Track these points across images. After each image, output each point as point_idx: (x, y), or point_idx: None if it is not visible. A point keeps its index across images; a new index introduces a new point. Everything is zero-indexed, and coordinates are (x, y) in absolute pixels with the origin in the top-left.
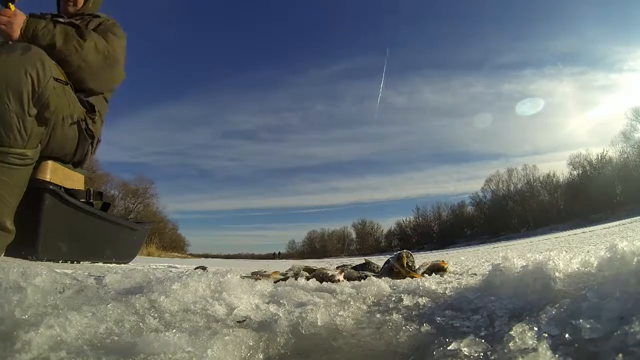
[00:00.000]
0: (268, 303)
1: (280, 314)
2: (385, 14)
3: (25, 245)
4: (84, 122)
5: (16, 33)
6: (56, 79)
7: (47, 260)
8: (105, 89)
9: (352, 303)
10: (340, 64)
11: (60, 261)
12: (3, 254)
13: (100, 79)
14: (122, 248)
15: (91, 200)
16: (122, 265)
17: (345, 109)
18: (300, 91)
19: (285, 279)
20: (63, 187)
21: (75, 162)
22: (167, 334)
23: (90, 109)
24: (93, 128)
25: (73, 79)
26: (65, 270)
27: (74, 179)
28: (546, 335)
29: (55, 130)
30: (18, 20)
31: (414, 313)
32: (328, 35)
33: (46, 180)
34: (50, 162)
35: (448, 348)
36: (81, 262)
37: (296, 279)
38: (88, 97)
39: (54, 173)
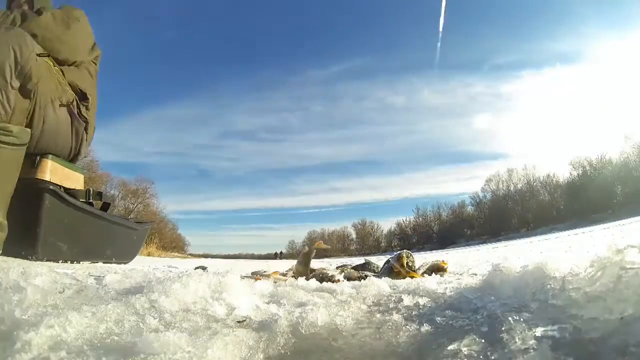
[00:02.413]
0: (268, 303)
1: (280, 314)
2: (385, 14)
3: (25, 245)
4: (75, 108)
5: None
6: (40, 55)
7: (47, 260)
8: (77, 55)
9: (352, 303)
10: (339, 64)
11: (60, 261)
12: (0, 251)
13: (68, 43)
14: (122, 248)
15: (91, 200)
16: (122, 265)
17: (344, 109)
18: (299, 91)
19: (285, 279)
20: (62, 187)
21: (73, 152)
22: (167, 334)
23: (82, 96)
24: (87, 115)
25: (48, 51)
26: (65, 270)
27: (73, 179)
28: (546, 335)
29: (47, 114)
30: None
31: (414, 313)
32: (327, 36)
33: (46, 180)
34: (49, 161)
35: (448, 348)
36: (81, 262)
37: (296, 278)
38: (76, 79)
39: (53, 172)
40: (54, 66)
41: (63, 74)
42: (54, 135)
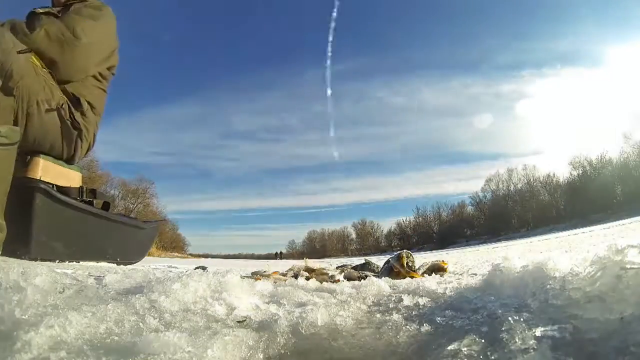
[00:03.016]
0: (268, 303)
1: (280, 314)
2: (384, 15)
3: (19, 244)
4: (67, 113)
5: None
6: (20, 51)
7: (41, 260)
8: (77, 75)
9: (352, 303)
10: (338, 64)
11: (57, 261)
12: (0, 251)
13: (64, 65)
14: (127, 248)
15: (90, 199)
16: (122, 265)
17: (344, 110)
18: (299, 92)
19: (285, 279)
20: (55, 185)
21: (65, 156)
22: (167, 334)
23: (75, 102)
24: (82, 120)
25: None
26: (65, 270)
27: (68, 177)
28: (546, 335)
29: (32, 115)
30: None
31: (414, 313)
32: (326, 36)
33: (37, 178)
34: (41, 160)
35: (448, 348)
36: (81, 262)
37: (296, 278)
38: (87, 88)
39: (45, 171)
40: (42, 67)
41: (52, 76)
42: (43, 135)
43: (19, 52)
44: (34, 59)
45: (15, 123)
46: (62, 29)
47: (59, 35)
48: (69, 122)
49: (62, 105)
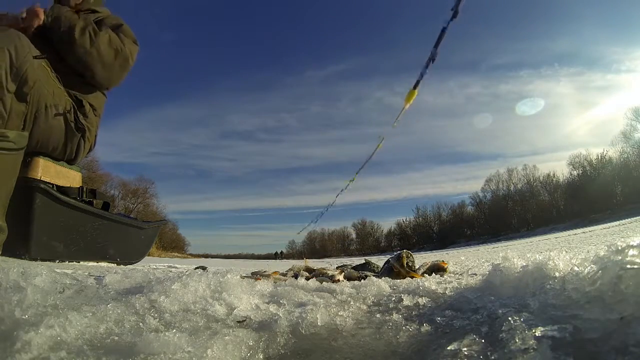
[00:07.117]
0: (268, 303)
1: (280, 314)
2: (382, 15)
3: (18, 244)
4: (71, 115)
5: (41, 14)
6: (36, 57)
7: (42, 260)
8: (111, 83)
9: (352, 303)
10: (337, 64)
11: (57, 261)
12: (0, 252)
13: (109, 72)
14: (128, 247)
15: (90, 199)
16: (122, 265)
17: (342, 110)
18: (297, 92)
19: (285, 279)
20: (55, 185)
21: (67, 157)
22: (167, 334)
23: (78, 104)
24: (85, 122)
25: (82, 66)
26: (65, 270)
27: (68, 177)
28: (546, 335)
29: (38, 119)
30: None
31: (414, 313)
32: (324, 36)
33: (37, 178)
34: (41, 160)
35: (448, 348)
36: (81, 262)
37: (296, 278)
38: (89, 91)
39: (45, 171)
40: (51, 71)
41: (59, 80)
42: (47, 138)
43: (35, 58)
44: (45, 64)
45: (23, 127)
46: (119, 42)
47: (117, 45)
48: (72, 125)
49: (69, 110)
